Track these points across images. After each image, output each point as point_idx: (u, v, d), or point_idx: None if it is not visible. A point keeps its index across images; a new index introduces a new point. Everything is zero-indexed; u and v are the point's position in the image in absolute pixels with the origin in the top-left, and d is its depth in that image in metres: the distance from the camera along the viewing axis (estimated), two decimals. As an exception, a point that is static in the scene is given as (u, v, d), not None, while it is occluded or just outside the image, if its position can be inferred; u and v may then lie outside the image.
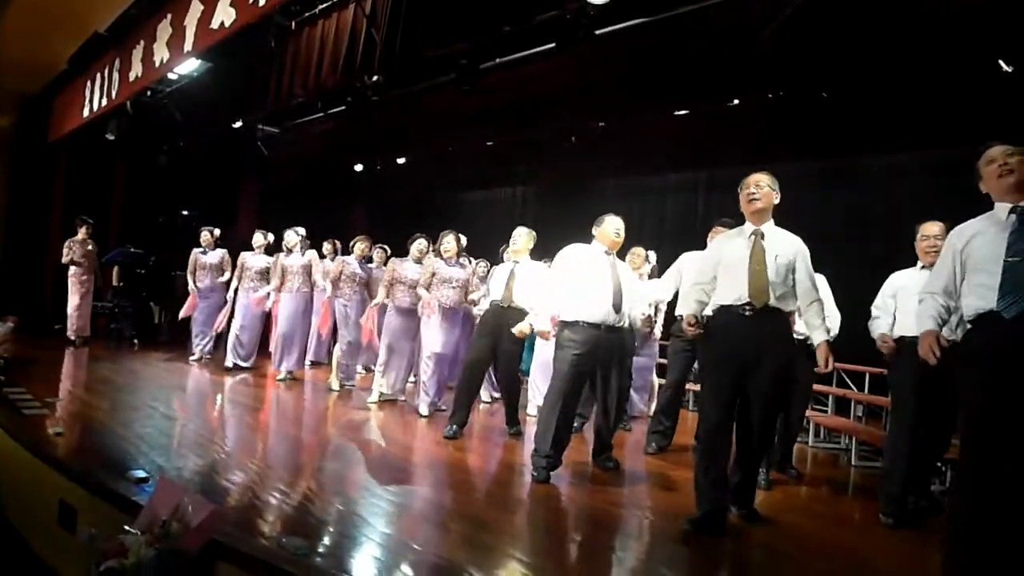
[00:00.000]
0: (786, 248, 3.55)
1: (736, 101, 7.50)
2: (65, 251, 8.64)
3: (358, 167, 11.71)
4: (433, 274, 5.98)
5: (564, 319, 4.33)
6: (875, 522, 3.79)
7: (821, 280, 4.78)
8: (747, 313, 3.44)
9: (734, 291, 3.49)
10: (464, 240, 6.31)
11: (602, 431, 4.57)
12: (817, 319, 3.54)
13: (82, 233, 8.70)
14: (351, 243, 7.18)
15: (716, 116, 7.95)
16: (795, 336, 3.95)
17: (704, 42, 6.30)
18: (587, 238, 4.55)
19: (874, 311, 4.21)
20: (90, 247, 8.78)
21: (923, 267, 4.02)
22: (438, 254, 6.08)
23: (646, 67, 6.96)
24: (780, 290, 3.47)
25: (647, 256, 6.48)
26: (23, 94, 10.07)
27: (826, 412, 6.52)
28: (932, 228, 4.01)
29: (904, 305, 3.98)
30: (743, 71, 6.80)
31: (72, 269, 8.64)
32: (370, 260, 7.54)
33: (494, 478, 4.45)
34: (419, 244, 6.42)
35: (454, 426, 5.18)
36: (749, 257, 3.51)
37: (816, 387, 6.52)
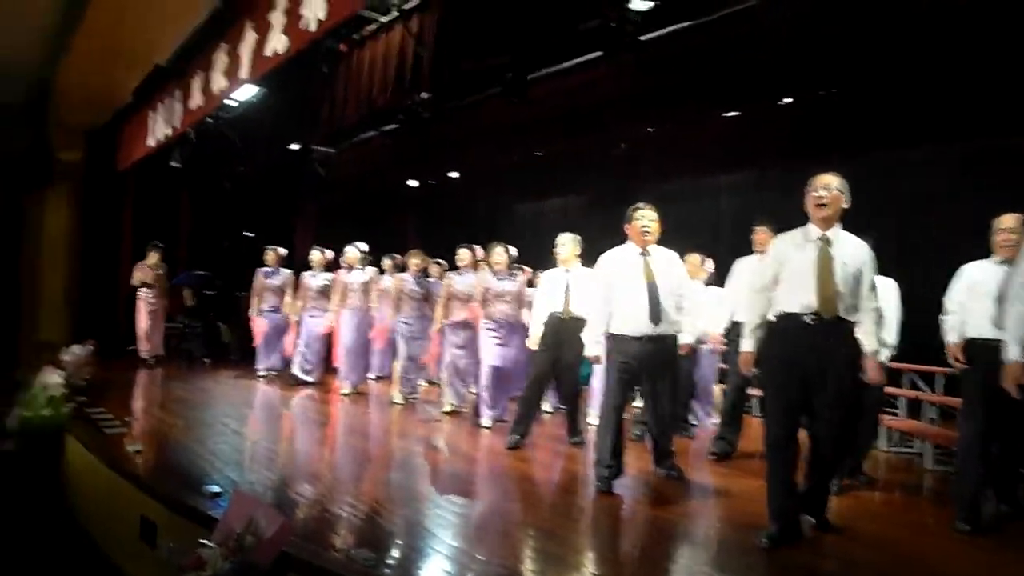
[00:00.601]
0: (854, 255, 3.42)
1: (787, 100, 7.40)
2: (136, 273, 8.95)
3: (412, 183, 11.90)
4: (486, 289, 6.04)
5: (608, 331, 4.28)
6: (951, 528, 3.64)
7: (891, 286, 4.69)
8: (812, 323, 3.34)
9: (800, 299, 3.37)
10: (515, 251, 6.33)
11: (659, 439, 4.52)
12: (871, 327, 3.40)
13: (153, 258, 8.99)
14: (405, 258, 7.31)
15: (766, 116, 7.86)
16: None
17: (749, 42, 6.24)
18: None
19: (948, 309, 4.05)
20: (160, 271, 9.08)
21: (1001, 261, 3.86)
22: (488, 267, 6.15)
23: (692, 70, 6.93)
24: (849, 300, 3.35)
25: (703, 262, 6.39)
26: (91, 127, 10.53)
27: (898, 415, 6.34)
28: (1008, 221, 3.86)
29: (977, 304, 3.84)
30: (790, 69, 6.72)
31: (141, 292, 8.91)
32: (427, 274, 7.64)
33: (557, 487, 4.47)
34: (460, 255, 6.57)
35: (516, 436, 5.21)
36: (816, 264, 3.37)
37: (886, 389, 6.37)
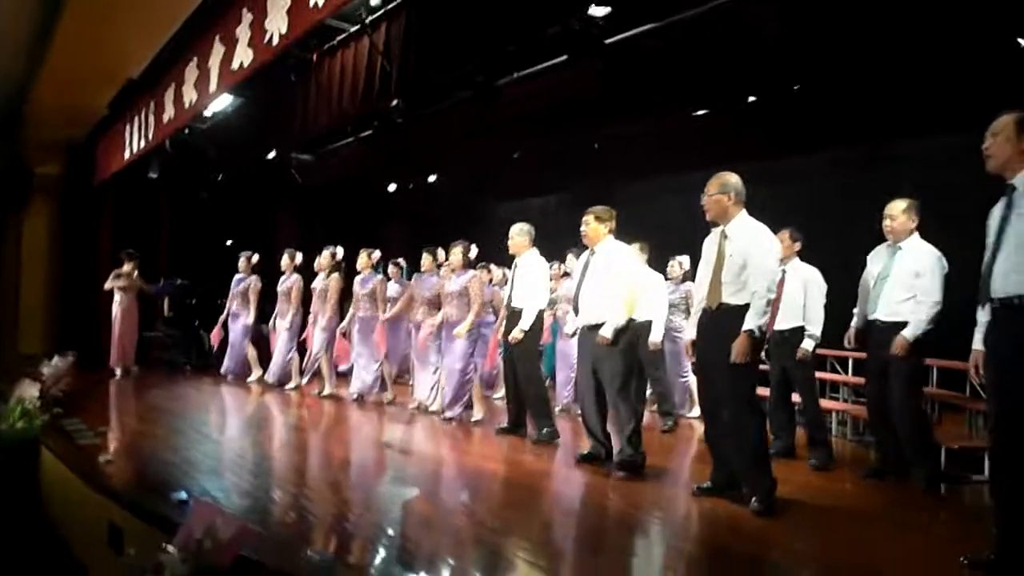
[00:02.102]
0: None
1: (753, 98, 7.51)
2: (110, 279, 8.90)
3: (391, 187, 11.96)
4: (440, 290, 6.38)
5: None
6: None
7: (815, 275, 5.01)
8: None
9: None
10: (474, 251, 6.47)
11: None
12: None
13: (127, 267, 8.96)
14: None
15: (737, 113, 7.96)
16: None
17: (714, 42, 6.33)
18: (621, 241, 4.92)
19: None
20: (134, 277, 9.02)
21: (888, 245, 4.25)
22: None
23: (659, 71, 7.01)
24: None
25: (680, 263, 6.61)
26: (70, 140, 10.58)
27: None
28: (890, 207, 4.24)
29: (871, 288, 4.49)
30: (758, 67, 6.81)
31: (115, 299, 8.89)
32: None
33: (521, 485, 4.56)
34: (424, 258, 6.74)
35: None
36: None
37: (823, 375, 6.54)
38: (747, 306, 3.69)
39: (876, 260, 4.52)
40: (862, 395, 6.41)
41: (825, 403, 6.20)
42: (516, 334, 5.46)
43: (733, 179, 3.86)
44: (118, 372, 8.84)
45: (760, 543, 3.35)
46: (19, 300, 10.66)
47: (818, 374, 6.48)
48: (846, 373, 6.71)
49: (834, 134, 7.55)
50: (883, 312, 4.36)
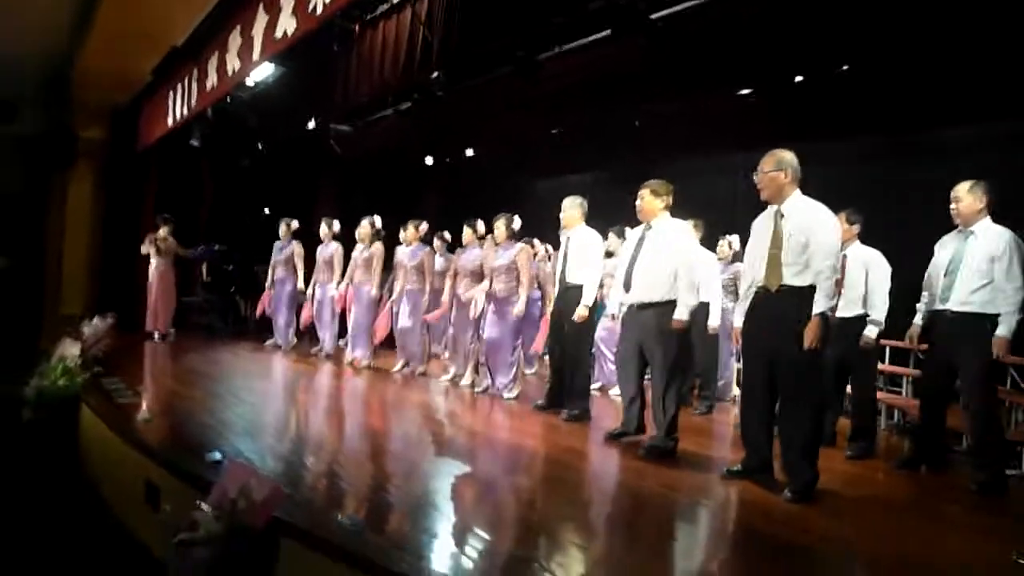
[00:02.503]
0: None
1: (800, 78, 7.33)
2: (146, 243, 8.96)
3: (428, 160, 11.96)
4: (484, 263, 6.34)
5: None
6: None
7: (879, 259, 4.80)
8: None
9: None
10: (517, 224, 6.38)
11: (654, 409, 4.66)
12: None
13: (163, 231, 9.00)
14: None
15: (782, 93, 7.79)
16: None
17: (760, 20, 6.19)
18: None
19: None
20: (170, 242, 9.06)
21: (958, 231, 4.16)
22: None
23: (704, 48, 6.88)
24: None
25: (730, 242, 6.51)
26: (114, 105, 10.73)
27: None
28: (956, 190, 4.09)
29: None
30: (805, 46, 6.65)
31: (152, 264, 8.96)
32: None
33: (558, 462, 4.56)
34: (465, 231, 6.73)
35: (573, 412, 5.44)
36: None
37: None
38: (810, 288, 3.59)
39: (946, 248, 4.30)
40: (896, 384, 6.30)
41: (884, 396, 6.05)
42: (582, 311, 5.29)
43: (789, 156, 3.76)
44: (155, 336, 8.93)
45: (790, 527, 3.31)
46: (62, 262, 10.89)
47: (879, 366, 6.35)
48: (882, 361, 6.52)
49: (883, 118, 7.34)
50: (955, 302, 4.13)
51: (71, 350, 5.92)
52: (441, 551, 2.81)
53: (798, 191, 3.78)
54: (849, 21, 6.01)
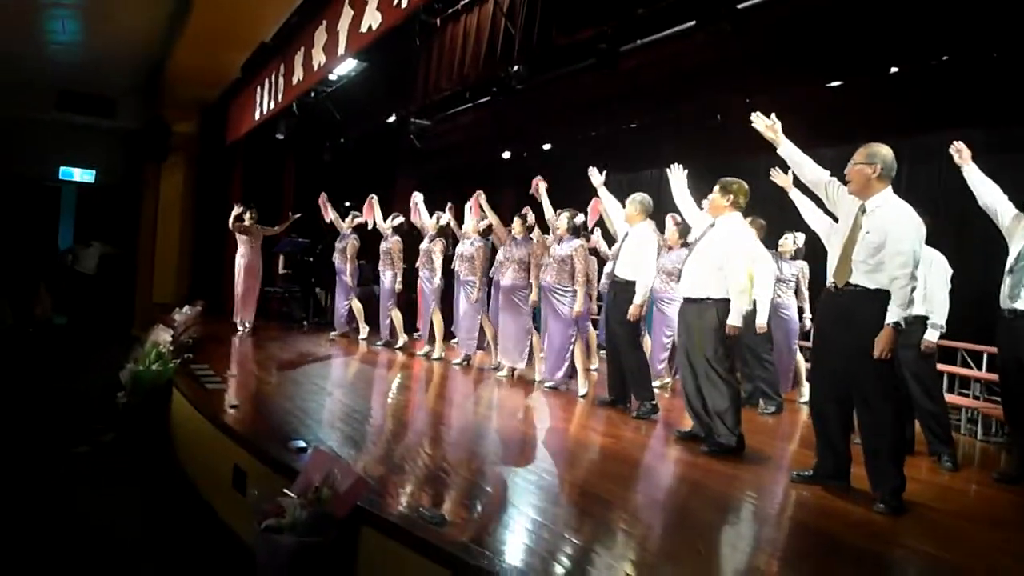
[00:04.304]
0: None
1: (895, 69, 7.01)
2: (232, 220, 8.85)
3: (506, 154, 11.97)
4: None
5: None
6: None
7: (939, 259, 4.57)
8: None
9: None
10: (580, 218, 6.39)
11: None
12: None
13: (248, 219, 8.89)
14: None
15: (873, 87, 7.47)
16: None
17: (853, 9, 5.95)
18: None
19: None
20: (256, 225, 8.98)
21: None
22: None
23: (792, 39, 6.66)
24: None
25: (795, 238, 6.30)
26: (205, 101, 11.13)
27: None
28: None
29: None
30: (898, 38, 6.35)
31: (239, 252, 8.92)
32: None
33: (637, 462, 4.50)
34: (515, 223, 6.78)
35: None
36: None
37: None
38: (880, 291, 3.45)
39: (1017, 239, 4.10)
40: (995, 392, 5.98)
41: (954, 399, 5.83)
42: (633, 311, 5.30)
43: (883, 151, 3.59)
44: (240, 328, 8.93)
45: (872, 537, 3.18)
46: (155, 252, 11.37)
47: (948, 368, 6.11)
48: (979, 368, 6.23)
49: (981, 112, 6.95)
50: (1023, 301, 3.99)
51: (163, 336, 6.16)
52: (518, 548, 2.80)
53: (889, 189, 3.61)
54: (947, 7, 5.72)
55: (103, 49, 9.46)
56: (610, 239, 7.16)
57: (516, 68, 7.01)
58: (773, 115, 4.06)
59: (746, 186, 4.67)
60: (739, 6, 5.93)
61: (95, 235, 12.35)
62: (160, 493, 4.66)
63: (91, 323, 11.26)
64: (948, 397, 5.43)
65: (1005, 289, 4.09)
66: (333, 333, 8.98)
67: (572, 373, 6.23)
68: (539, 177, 6.85)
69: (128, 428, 5.53)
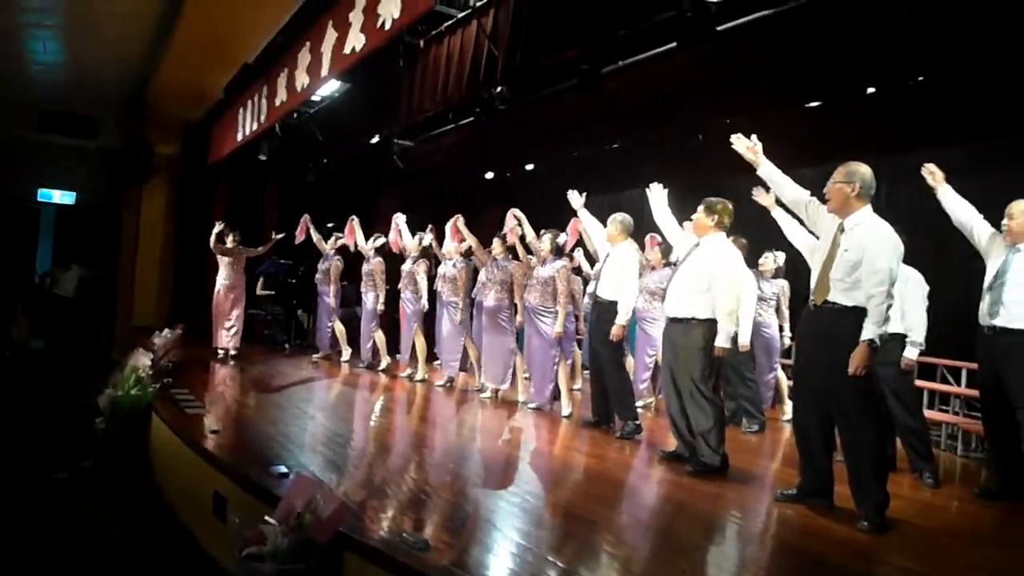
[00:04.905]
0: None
1: (872, 90, 7.11)
2: (213, 239, 8.43)
3: (489, 175, 12.01)
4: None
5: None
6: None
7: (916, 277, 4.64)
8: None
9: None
10: (562, 239, 6.45)
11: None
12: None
13: (230, 241, 8.48)
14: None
15: (851, 107, 7.57)
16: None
17: (832, 30, 6.04)
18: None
19: None
20: (239, 250, 8.55)
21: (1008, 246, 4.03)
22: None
23: (771, 60, 6.74)
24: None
25: (775, 257, 6.36)
26: (188, 122, 11.10)
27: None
28: (1012, 206, 4.02)
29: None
30: (877, 58, 6.45)
31: (220, 275, 8.49)
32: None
33: (619, 482, 4.49)
34: (495, 243, 6.73)
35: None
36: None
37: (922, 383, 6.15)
38: (857, 308, 3.48)
39: (994, 257, 4.18)
40: (974, 408, 6.03)
41: (934, 415, 5.87)
42: (616, 331, 5.31)
43: (862, 169, 3.63)
44: (220, 353, 8.44)
45: (856, 555, 3.18)
46: (135, 274, 11.26)
47: (928, 384, 6.15)
48: (959, 384, 6.28)
49: (957, 130, 7.05)
50: (1002, 317, 4.03)
51: (143, 360, 6.09)
52: (502, 572, 2.78)
53: (868, 208, 3.65)
54: (922, 30, 5.81)
55: (85, 70, 9.43)
56: (592, 259, 7.20)
57: (499, 89, 7.07)
58: (754, 136, 4.07)
59: (730, 206, 4.70)
60: (719, 28, 6.03)
61: (74, 257, 12.24)
62: (139, 520, 4.58)
63: (69, 347, 11.11)
64: (928, 413, 5.47)
65: (984, 306, 4.13)
66: (315, 355, 8.92)
67: (556, 394, 6.22)
68: (512, 211, 6.85)
69: (107, 454, 5.45)
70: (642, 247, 6.51)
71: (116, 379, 5.86)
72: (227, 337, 8.50)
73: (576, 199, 6.02)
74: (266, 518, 3.06)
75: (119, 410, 5.47)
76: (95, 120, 11.53)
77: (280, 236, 8.99)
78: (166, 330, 7.72)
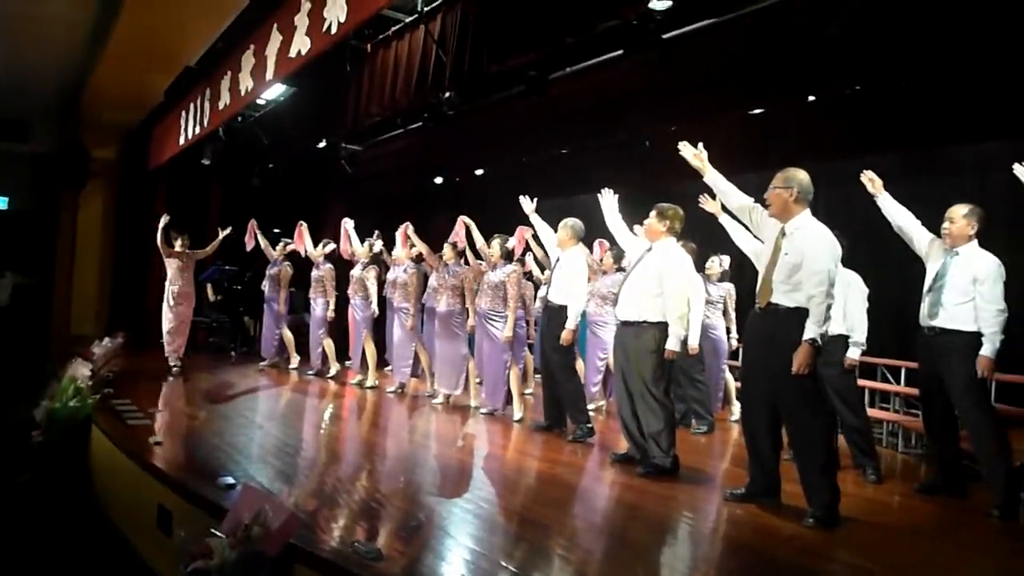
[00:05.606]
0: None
1: (812, 98, 7.31)
2: (160, 239, 7.99)
3: (438, 180, 11.97)
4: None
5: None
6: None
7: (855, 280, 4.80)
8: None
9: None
10: (512, 243, 6.47)
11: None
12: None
13: (179, 245, 8.10)
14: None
15: (793, 114, 7.77)
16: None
17: (774, 40, 6.19)
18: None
19: None
20: (188, 254, 8.21)
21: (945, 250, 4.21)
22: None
23: (716, 68, 6.88)
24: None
25: (721, 261, 6.48)
26: (126, 126, 10.79)
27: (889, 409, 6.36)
28: (951, 211, 4.21)
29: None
30: (816, 68, 6.63)
31: (168, 280, 8.07)
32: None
33: (566, 484, 4.50)
34: (446, 249, 6.75)
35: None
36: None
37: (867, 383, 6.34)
38: (799, 309, 3.57)
39: (933, 260, 4.31)
40: (914, 406, 6.23)
41: (875, 413, 6.04)
42: (566, 336, 5.36)
43: (800, 176, 3.73)
44: (172, 365, 7.97)
45: (806, 554, 3.25)
46: (72, 281, 10.90)
47: (869, 383, 6.35)
48: (899, 383, 6.49)
49: (893, 138, 7.30)
50: (941, 318, 4.15)
51: (82, 371, 5.90)
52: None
53: (807, 212, 3.75)
54: (860, 41, 6.00)
55: (17, 71, 9.07)
56: (542, 264, 7.24)
57: (447, 94, 7.06)
58: (700, 144, 4.15)
59: (681, 212, 4.78)
60: (664, 36, 6.10)
61: (8, 264, 11.76)
62: (79, 536, 4.43)
63: (3, 357, 10.69)
64: (870, 411, 5.61)
65: (924, 307, 4.26)
66: (263, 363, 8.75)
67: (508, 399, 6.22)
68: (461, 219, 6.92)
69: (44, 468, 5.25)
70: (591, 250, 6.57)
71: (53, 390, 5.66)
72: (179, 344, 8.09)
73: (528, 204, 6.05)
74: (213, 531, 2.99)
75: (56, 422, 5.29)
76: (27, 123, 11.12)
77: (227, 232, 8.66)
78: (106, 339, 7.48)
